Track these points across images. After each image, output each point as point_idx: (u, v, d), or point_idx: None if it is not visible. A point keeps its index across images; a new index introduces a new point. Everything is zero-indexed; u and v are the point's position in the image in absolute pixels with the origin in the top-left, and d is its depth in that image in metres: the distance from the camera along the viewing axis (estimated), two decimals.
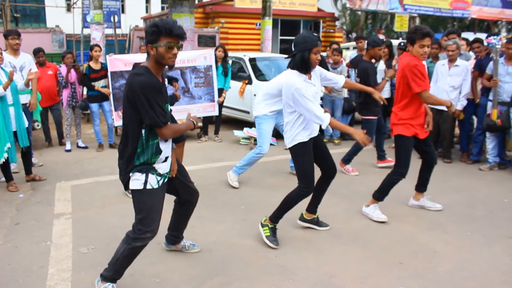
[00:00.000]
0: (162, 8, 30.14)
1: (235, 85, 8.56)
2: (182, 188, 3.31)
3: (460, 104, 6.23)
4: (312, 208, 4.11)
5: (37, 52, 7.19)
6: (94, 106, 7.08)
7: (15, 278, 3.25)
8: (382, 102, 4.70)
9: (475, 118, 6.69)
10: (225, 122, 9.22)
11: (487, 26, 25.37)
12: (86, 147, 7.27)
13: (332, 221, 4.25)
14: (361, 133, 3.58)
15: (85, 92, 7.28)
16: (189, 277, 3.29)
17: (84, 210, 4.57)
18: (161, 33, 2.75)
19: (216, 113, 7.74)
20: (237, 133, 7.71)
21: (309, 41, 3.53)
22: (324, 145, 3.93)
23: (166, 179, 3.02)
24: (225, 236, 3.97)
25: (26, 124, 5.38)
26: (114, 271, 3.02)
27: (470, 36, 10.23)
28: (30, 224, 4.24)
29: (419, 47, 4.02)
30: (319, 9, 21.08)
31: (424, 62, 6.76)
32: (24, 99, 5.80)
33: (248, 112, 8.60)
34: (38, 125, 8.26)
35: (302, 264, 3.48)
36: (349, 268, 3.44)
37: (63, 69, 7.06)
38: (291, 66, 3.64)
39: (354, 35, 21.82)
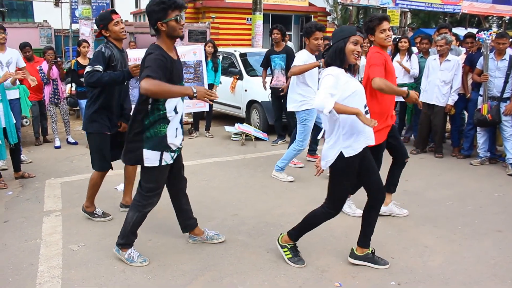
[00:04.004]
0: None
1: (226, 81, 8.52)
2: (177, 175, 3.46)
3: (451, 99, 6.26)
4: (364, 241, 3.39)
5: (24, 47, 7.09)
6: (84, 103, 6.98)
7: (4, 277, 3.21)
8: None
9: (466, 113, 6.72)
10: (216, 117, 9.19)
11: (478, 21, 25.52)
12: (76, 143, 7.21)
13: None
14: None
15: (73, 88, 7.20)
16: (180, 273, 3.27)
17: (74, 207, 4.51)
18: (169, 8, 2.97)
19: (207, 108, 7.71)
20: (229, 128, 7.68)
21: (345, 29, 3.15)
22: (371, 160, 3.30)
23: (177, 154, 3.29)
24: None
25: (14, 120, 5.31)
26: (129, 236, 3.34)
27: (461, 31, 10.29)
28: (19, 221, 4.19)
29: (380, 33, 3.83)
30: (310, 4, 21.07)
31: (414, 57, 6.86)
32: (13, 94, 5.72)
33: (239, 108, 8.58)
34: (26, 122, 8.15)
35: None
36: (341, 263, 3.44)
37: (44, 65, 6.96)
38: (325, 62, 3.16)
39: None
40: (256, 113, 8.10)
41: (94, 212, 4.21)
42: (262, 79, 7.47)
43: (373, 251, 3.41)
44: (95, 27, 3.98)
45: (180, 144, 3.29)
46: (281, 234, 3.49)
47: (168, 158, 3.19)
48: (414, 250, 3.65)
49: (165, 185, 3.45)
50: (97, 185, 4.13)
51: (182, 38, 3.18)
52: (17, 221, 4.20)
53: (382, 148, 3.97)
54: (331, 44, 3.19)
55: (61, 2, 15.19)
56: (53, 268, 3.32)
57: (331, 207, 3.26)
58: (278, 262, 3.43)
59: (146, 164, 3.15)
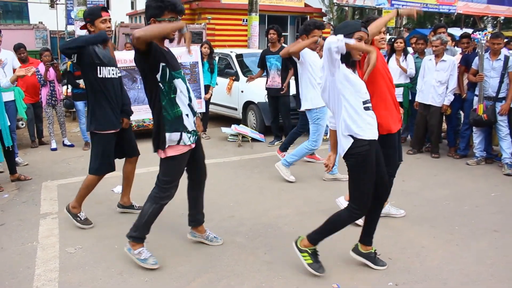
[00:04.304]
0: None
1: (222, 82, 8.52)
2: (198, 163, 3.51)
3: (447, 99, 6.28)
4: (367, 239, 3.38)
5: (18, 49, 7.06)
6: (80, 104, 6.99)
7: (0, 280, 3.19)
8: None
9: (462, 113, 6.74)
10: (213, 119, 9.18)
11: (473, 21, 25.63)
12: (72, 145, 7.19)
13: (321, 217, 4.23)
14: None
15: (69, 90, 7.18)
16: (178, 275, 3.27)
17: None
18: (166, 8, 2.97)
19: (203, 110, 7.69)
20: (225, 130, 7.68)
21: (350, 25, 3.07)
22: (381, 155, 3.22)
23: (195, 137, 3.31)
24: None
25: (9, 123, 5.29)
26: (143, 230, 3.31)
27: (457, 31, 10.31)
28: (16, 224, 4.17)
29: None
30: (306, 5, 21.10)
31: (410, 57, 6.88)
32: (7, 96, 5.70)
33: (236, 109, 8.57)
34: (22, 124, 8.13)
35: (291, 261, 3.46)
36: (338, 264, 3.44)
37: (41, 67, 6.93)
38: None
39: None
40: (253, 114, 8.10)
41: (78, 214, 4.03)
42: (254, 76, 7.46)
43: (375, 251, 3.40)
44: (91, 29, 3.91)
45: (195, 128, 3.30)
46: (300, 237, 3.28)
47: (186, 139, 3.20)
48: (411, 251, 3.66)
49: (187, 175, 3.49)
50: (91, 186, 4.00)
51: (171, 40, 3.14)
52: (13, 224, 4.18)
53: (394, 140, 3.69)
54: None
55: (57, 4, 15.18)
56: (49, 271, 3.31)
57: (356, 207, 3.09)
58: (275, 263, 3.43)
59: (168, 144, 3.14)
